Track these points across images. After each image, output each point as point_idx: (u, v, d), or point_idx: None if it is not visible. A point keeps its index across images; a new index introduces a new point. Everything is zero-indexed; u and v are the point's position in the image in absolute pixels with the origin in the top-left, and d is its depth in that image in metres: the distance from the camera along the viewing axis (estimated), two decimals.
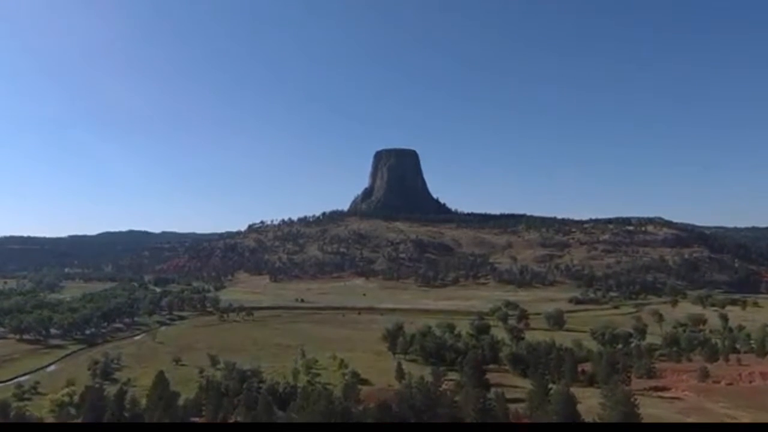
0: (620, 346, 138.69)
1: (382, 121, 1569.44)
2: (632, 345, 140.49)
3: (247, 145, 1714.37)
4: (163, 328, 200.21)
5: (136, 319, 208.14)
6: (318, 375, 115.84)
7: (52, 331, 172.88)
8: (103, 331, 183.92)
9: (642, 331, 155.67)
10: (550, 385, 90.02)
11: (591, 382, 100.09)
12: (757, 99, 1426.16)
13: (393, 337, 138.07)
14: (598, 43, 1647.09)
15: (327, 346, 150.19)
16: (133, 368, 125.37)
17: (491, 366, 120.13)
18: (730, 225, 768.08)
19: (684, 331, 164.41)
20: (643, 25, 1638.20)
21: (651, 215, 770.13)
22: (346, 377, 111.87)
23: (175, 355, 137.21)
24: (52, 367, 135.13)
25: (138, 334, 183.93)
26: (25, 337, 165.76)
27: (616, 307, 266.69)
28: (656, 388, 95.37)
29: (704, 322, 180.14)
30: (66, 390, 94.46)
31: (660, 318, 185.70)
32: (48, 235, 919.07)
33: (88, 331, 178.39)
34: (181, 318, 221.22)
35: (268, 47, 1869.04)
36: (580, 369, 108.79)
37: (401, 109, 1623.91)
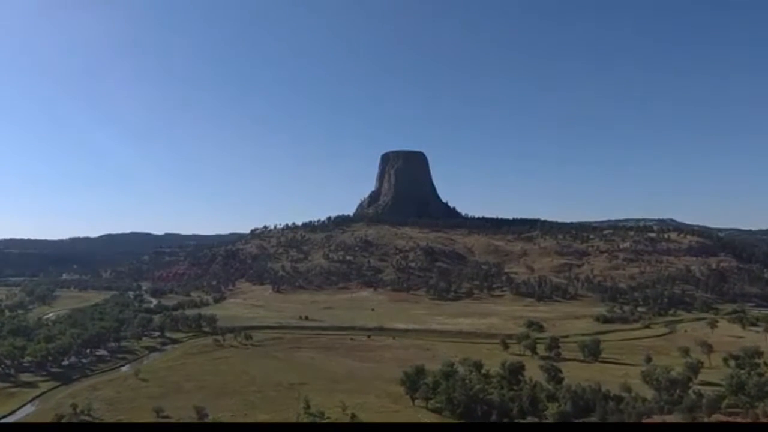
0: (678, 391, 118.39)
1: (389, 123, 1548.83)
2: (692, 391, 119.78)
3: (250, 147, 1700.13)
4: (153, 354, 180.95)
5: (123, 344, 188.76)
6: None
7: (26, 361, 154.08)
8: (84, 361, 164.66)
9: (696, 370, 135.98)
10: None
11: None
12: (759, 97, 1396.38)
13: (413, 381, 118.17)
14: (603, 44, 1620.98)
15: (335, 386, 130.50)
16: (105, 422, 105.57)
17: (531, 420, 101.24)
18: (745, 227, 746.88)
19: (742, 367, 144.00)
20: (651, 27, 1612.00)
21: (663, 217, 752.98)
22: None
23: (158, 400, 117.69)
24: (17, 415, 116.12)
25: (123, 364, 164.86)
26: None
27: (647, 326, 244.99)
28: None
29: (761, 354, 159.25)
30: None
31: (709, 348, 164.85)
32: (49, 238, 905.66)
33: (66, 362, 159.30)
34: (174, 341, 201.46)
35: (272, 48, 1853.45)
36: None
37: (409, 110, 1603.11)
